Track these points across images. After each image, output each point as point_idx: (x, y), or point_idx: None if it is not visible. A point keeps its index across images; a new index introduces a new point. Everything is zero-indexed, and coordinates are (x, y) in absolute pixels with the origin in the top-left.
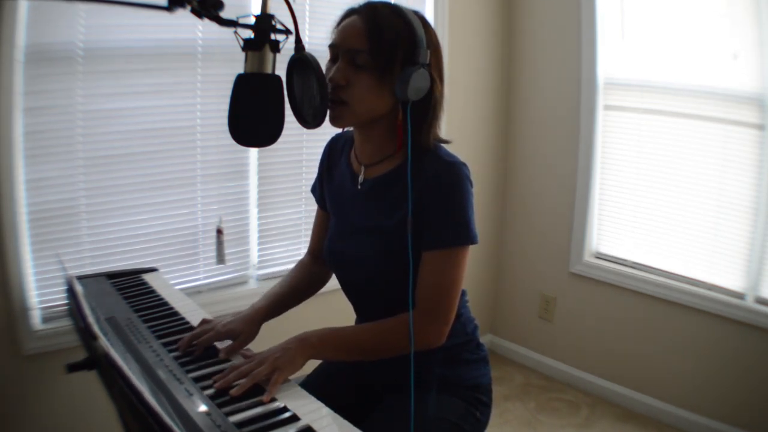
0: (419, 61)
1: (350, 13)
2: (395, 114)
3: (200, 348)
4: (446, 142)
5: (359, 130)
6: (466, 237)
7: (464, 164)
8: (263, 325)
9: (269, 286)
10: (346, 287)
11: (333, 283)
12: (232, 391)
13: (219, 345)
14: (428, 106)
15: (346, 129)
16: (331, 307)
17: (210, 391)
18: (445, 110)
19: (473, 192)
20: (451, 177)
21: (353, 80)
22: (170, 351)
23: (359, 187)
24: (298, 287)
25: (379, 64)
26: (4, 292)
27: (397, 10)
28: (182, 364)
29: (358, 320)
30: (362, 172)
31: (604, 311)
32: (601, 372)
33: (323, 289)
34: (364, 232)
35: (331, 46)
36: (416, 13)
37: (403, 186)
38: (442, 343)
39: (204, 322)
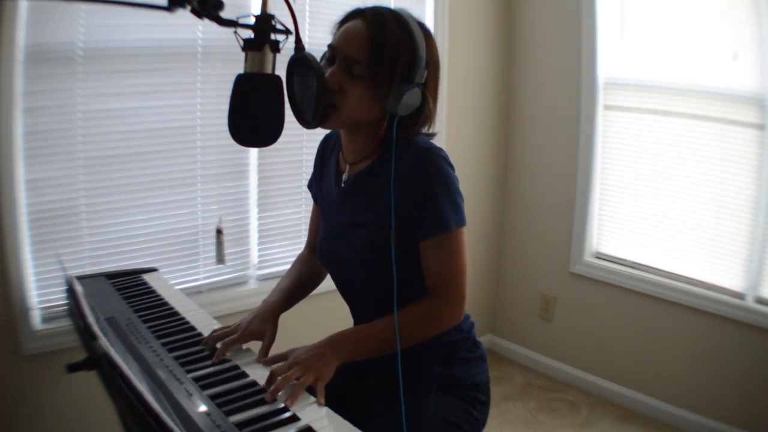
0: (415, 81)
1: (356, 15)
2: (382, 121)
3: (223, 352)
4: (431, 135)
5: (345, 131)
6: (459, 220)
7: (440, 148)
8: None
9: (269, 286)
10: (338, 285)
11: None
12: (287, 403)
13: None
14: (416, 121)
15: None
16: (331, 307)
17: (210, 391)
18: (445, 110)
19: (456, 175)
20: (430, 163)
21: (347, 88)
22: (170, 351)
23: (342, 185)
24: (305, 280)
25: (375, 78)
26: (4, 292)
27: (403, 22)
28: (182, 364)
29: (354, 318)
30: (347, 171)
31: (604, 311)
32: (601, 372)
33: (323, 289)
34: (349, 229)
35: (331, 47)
36: (421, 26)
37: (383, 179)
38: (462, 318)
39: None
